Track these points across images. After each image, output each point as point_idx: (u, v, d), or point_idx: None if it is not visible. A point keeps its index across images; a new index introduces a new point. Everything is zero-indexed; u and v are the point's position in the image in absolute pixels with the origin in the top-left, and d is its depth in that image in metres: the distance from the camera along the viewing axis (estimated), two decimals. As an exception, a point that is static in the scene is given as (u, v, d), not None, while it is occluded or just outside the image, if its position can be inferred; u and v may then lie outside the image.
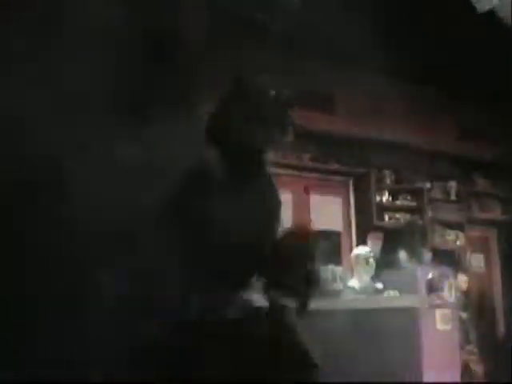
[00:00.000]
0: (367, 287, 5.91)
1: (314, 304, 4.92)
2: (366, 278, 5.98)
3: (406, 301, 5.83)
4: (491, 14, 5.50)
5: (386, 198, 7.87)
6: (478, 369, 7.38)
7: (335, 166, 7.54)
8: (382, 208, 7.84)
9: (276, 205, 2.42)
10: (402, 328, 5.60)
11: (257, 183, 2.31)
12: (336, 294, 5.50)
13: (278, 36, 5.65)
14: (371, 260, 6.05)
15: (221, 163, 2.19)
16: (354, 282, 5.93)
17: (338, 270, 5.63)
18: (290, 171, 7.25)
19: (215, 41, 3.92)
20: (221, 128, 2.24)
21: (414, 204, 8.06)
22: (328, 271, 5.62)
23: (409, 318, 5.73)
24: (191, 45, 3.37)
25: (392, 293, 5.83)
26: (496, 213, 8.96)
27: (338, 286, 5.56)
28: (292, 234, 2.32)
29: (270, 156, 2.37)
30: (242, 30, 5.64)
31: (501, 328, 8.73)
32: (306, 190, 7.43)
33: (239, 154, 2.22)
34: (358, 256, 6.09)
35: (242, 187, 2.23)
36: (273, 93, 2.21)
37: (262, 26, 5.46)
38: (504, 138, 8.07)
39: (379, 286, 5.95)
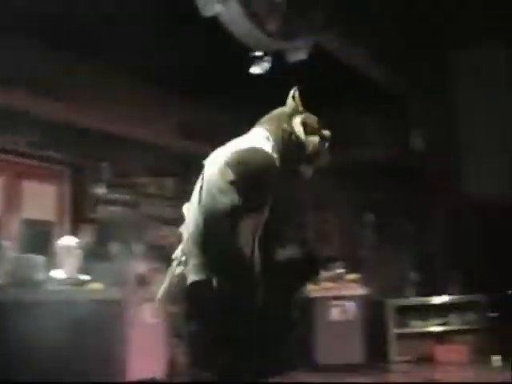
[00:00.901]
0: (71, 278, 5.79)
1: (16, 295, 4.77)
2: (71, 269, 5.86)
3: (110, 293, 5.86)
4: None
5: (102, 190, 7.80)
6: (183, 361, 7.63)
7: (51, 154, 7.27)
8: (98, 200, 7.76)
9: None
10: (107, 319, 5.63)
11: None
12: (38, 284, 5.33)
13: None
14: (77, 251, 5.95)
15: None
16: (58, 273, 5.77)
17: (40, 259, 5.45)
18: (2, 155, 6.90)
19: None
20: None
21: (129, 198, 8.10)
22: (30, 260, 5.45)
23: (114, 310, 5.78)
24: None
25: (96, 285, 5.80)
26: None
27: (41, 276, 5.39)
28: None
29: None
30: None
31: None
32: (19, 177, 7.12)
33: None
34: (62, 247, 5.95)
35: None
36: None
37: None
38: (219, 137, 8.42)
39: (84, 277, 5.88)
